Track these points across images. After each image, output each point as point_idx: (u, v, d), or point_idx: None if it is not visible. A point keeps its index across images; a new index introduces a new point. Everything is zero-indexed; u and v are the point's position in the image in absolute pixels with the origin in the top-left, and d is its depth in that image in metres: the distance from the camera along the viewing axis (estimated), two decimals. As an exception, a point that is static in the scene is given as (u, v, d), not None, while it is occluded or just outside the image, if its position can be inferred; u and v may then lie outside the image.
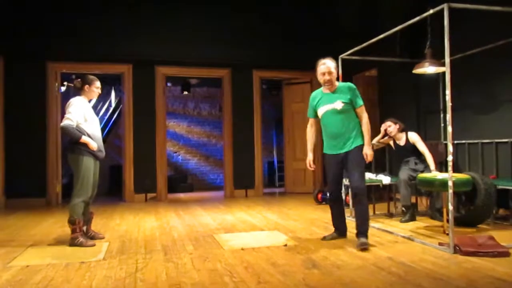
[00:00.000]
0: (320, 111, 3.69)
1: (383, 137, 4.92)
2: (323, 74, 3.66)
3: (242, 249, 3.47)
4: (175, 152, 11.00)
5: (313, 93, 3.90)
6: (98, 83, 3.92)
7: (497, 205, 4.30)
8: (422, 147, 4.69)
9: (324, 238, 3.79)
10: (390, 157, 5.19)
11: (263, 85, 8.80)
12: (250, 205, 6.40)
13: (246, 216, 5.32)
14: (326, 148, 3.75)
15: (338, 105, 3.58)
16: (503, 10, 3.45)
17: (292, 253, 3.31)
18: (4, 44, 6.19)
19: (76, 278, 2.73)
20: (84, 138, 3.64)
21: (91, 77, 3.92)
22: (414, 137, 4.81)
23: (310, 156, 3.82)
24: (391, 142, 4.99)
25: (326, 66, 3.66)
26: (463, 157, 4.98)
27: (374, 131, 7.00)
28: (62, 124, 3.64)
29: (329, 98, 3.66)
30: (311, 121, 3.87)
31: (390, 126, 4.86)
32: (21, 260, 3.21)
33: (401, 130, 4.87)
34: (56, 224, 4.78)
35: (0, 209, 6.19)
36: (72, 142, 3.66)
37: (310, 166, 3.82)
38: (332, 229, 3.90)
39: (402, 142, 4.87)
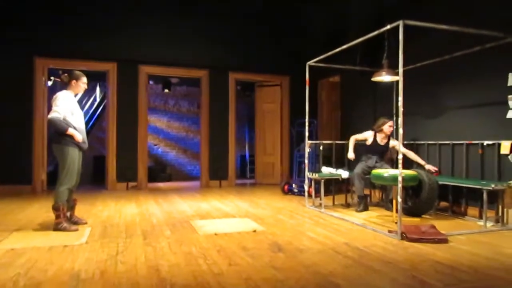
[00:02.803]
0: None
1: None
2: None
3: (215, 234, 3.46)
4: (156, 145, 10.83)
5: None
6: (84, 79, 3.79)
7: (439, 198, 4.48)
8: (404, 149, 4.75)
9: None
10: (362, 149, 5.21)
11: (238, 86, 8.77)
12: (223, 194, 6.39)
13: (219, 204, 5.30)
14: None
15: None
16: (449, 28, 3.57)
17: (260, 238, 3.34)
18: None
19: (60, 260, 2.65)
20: (70, 130, 3.53)
21: (78, 72, 3.79)
22: (395, 142, 4.90)
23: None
24: (370, 137, 4.97)
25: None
26: (411, 156, 5.13)
27: (336, 130, 7.16)
28: (49, 116, 3.50)
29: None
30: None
31: (391, 127, 4.89)
32: (7, 243, 3.08)
33: (389, 134, 4.96)
34: (41, 210, 4.62)
35: (-14, 194, 5.91)
36: (59, 133, 3.54)
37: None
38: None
39: (382, 142, 4.92)
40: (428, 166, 4.65)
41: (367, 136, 4.98)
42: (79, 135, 3.60)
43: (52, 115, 3.48)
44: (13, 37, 6.30)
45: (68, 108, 3.57)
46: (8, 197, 5.70)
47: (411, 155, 4.82)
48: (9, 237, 3.29)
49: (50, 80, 7.55)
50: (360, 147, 5.08)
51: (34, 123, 6.44)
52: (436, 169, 4.66)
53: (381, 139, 4.93)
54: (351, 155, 4.92)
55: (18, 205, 4.99)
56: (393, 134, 5.09)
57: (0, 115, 6.21)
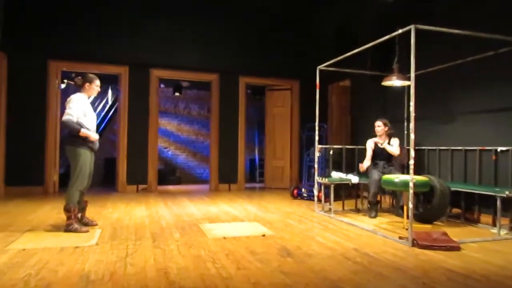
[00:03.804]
0: None
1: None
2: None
3: (224, 238, 3.46)
4: (166, 148, 10.89)
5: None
6: (98, 82, 3.85)
7: (451, 205, 4.41)
8: (397, 144, 4.81)
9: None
10: (359, 159, 5.24)
11: (248, 90, 8.80)
12: (232, 198, 6.39)
13: (228, 208, 5.31)
14: None
15: None
16: (461, 33, 3.54)
17: (269, 242, 3.32)
18: (8, 42, 6.02)
19: (70, 261, 2.68)
20: (83, 131, 3.58)
21: (92, 75, 3.84)
22: (395, 141, 4.88)
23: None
24: (372, 145, 4.97)
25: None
26: (422, 162, 5.08)
27: (346, 134, 7.12)
28: (63, 118, 3.55)
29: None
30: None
31: (379, 126, 4.90)
32: (18, 243, 3.12)
33: (387, 134, 4.94)
34: (53, 211, 4.68)
35: (0, 196, 6.01)
36: (72, 135, 3.59)
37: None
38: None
39: (382, 145, 4.92)
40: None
41: (370, 146, 5.01)
42: (94, 134, 3.68)
43: (65, 117, 3.54)
44: (27, 41, 6.42)
45: (81, 110, 3.62)
46: (20, 198, 5.79)
47: (395, 150, 4.81)
48: (21, 237, 3.34)
49: (63, 83, 7.67)
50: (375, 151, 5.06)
51: (47, 125, 6.54)
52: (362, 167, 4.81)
53: (380, 142, 4.93)
54: (366, 163, 4.89)
55: (30, 206, 5.06)
56: (391, 134, 5.02)
57: (14, 117, 6.32)
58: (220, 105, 7.60)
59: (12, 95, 6.28)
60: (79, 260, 2.71)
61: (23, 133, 6.38)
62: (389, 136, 4.96)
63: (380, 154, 4.88)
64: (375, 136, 4.98)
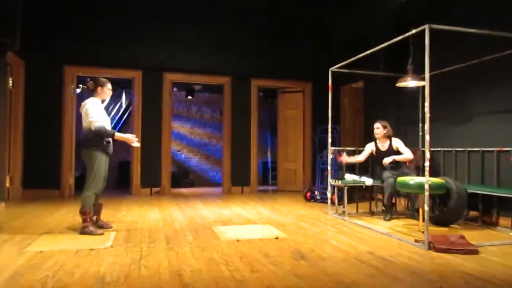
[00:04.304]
0: None
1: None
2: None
3: (237, 240, 3.46)
4: (179, 151, 10.97)
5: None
6: (109, 85, 3.90)
7: (468, 208, 4.32)
8: (403, 148, 4.75)
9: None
10: (372, 161, 5.20)
11: (260, 92, 8.81)
12: (245, 200, 6.39)
13: (241, 210, 5.31)
14: None
15: None
16: (478, 32, 3.47)
17: (283, 245, 3.31)
18: (25, 49, 6.15)
19: (86, 263, 2.71)
20: (118, 135, 3.69)
21: (103, 79, 3.90)
22: (397, 142, 4.82)
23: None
24: (373, 147, 4.97)
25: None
26: (438, 163, 5.00)
27: (359, 136, 7.06)
28: (95, 127, 3.59)
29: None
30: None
31: (378, 129, 4.86)
32: (35, 246, 3.18)
33: (387, 136, 4.88)
34: (68, 214, 4.75)
35: (18, 199, 6.14)
36: (88, 138, 3.63)
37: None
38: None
39: (384, 148, 4.87)
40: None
41: (369, 148, 4.96)
42: (129, 135, 3.80)
43: (96, 125, 3.60)
44: (44, 47, 6.55)
45: (102, 121, 3.68)
46: (37, 201, 5.90)
47: (407, 153, 4.75)
48: (38, 240, 3.40)
49: (79, 87, 7.80)
50: (374, 160, 5.03)
51: (63, 129, 6.66)
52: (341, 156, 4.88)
53: (381, 145, 4.89)
54: (352, 158, 4.97)
55: (47, 209, 5.15)
56: (391, 136, 4.95)
57: (31, 122, 6.45)
58: (233, 108, 7.62)
59: (29, 100, 6.42)
60: (95, 262, 2.75)
61: (40, 137, 6.51)
62: (389, 138, 4.89)
63: (384, 156, 4.80)
64: (375, 139, 4.94)
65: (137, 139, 3.85)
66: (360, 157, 5.02)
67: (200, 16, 7.37)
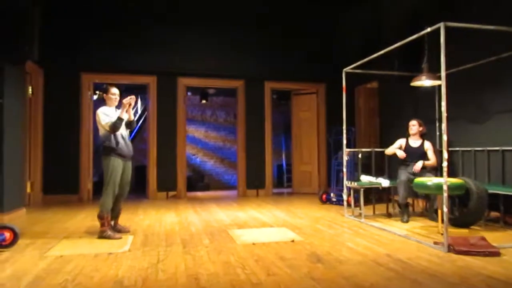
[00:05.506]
0: None
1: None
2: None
3: (253, 243, 3.46)
4: (194, 155, 11.05)
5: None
6: (113, 90, 3.91)
7: (489, 208, 4.21)
8: (432, 154, 4.67)
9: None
10: (389, 162, 5.12)
11: (273, 95, 8.80)
12: (260, 203, 6.39)
13: (257, 213, 5.30)
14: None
15: None
16: (495, 29, 3.40)
17: (299, 248, 3.29)
18: (44, 58, 6.32)
19: (104, 267, 2.75)
20: (120, 115, 3.72)
21: (107, 86, 3.95)
22: (428, 145, 4.76)
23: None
24: (403, 143, 4.90)
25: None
26: (457, 163, 4.90)
27: (374, 137, 6.98)
28: (108, 126, 3.69)
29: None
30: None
31: (414, 126, 4.81)
32: (56, 250, 3.25)
33: (421, 135, 4.83)
34: (87, 218, 4.84)
35: (38, 204, 6.28)
36: (117, 127, 3.70)
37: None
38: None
39: (415, 144, 4.80)
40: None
41: (398, 142, 4.90)
42: (123, 102, 3.78)
43: (107, 124, 3.69)
44: (61, 55, 6.70)
45: (108, 118, 3.75)
46: (57, 206, 6.02)
47: (432, 159, 4.66)
48: (58, 244, 3.47)
49: (96, 94, 7.95)
50: (406, 150, 4.93)
51: (81, 135, 6.79)
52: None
53: (413, 141, 4.81)
54: (400, 153, 4.77)
55: (66, 214, 5.25)
56: (424, 136, 4.86)
57: (50, 128, 6.60)
58: (246, 111, 7.64)
59: (48, 108, 6.58)
60: (113, 266, 2.78)
61: (59, 144, 6.64)
62: (422, 136, 4.83)
63: (412, 154, 4.73)
64: (408, 136, 4.87)
65: (129, 97, 3.81)
66: (391, 150, 4.94)
67: (213, 20, 7.42)
